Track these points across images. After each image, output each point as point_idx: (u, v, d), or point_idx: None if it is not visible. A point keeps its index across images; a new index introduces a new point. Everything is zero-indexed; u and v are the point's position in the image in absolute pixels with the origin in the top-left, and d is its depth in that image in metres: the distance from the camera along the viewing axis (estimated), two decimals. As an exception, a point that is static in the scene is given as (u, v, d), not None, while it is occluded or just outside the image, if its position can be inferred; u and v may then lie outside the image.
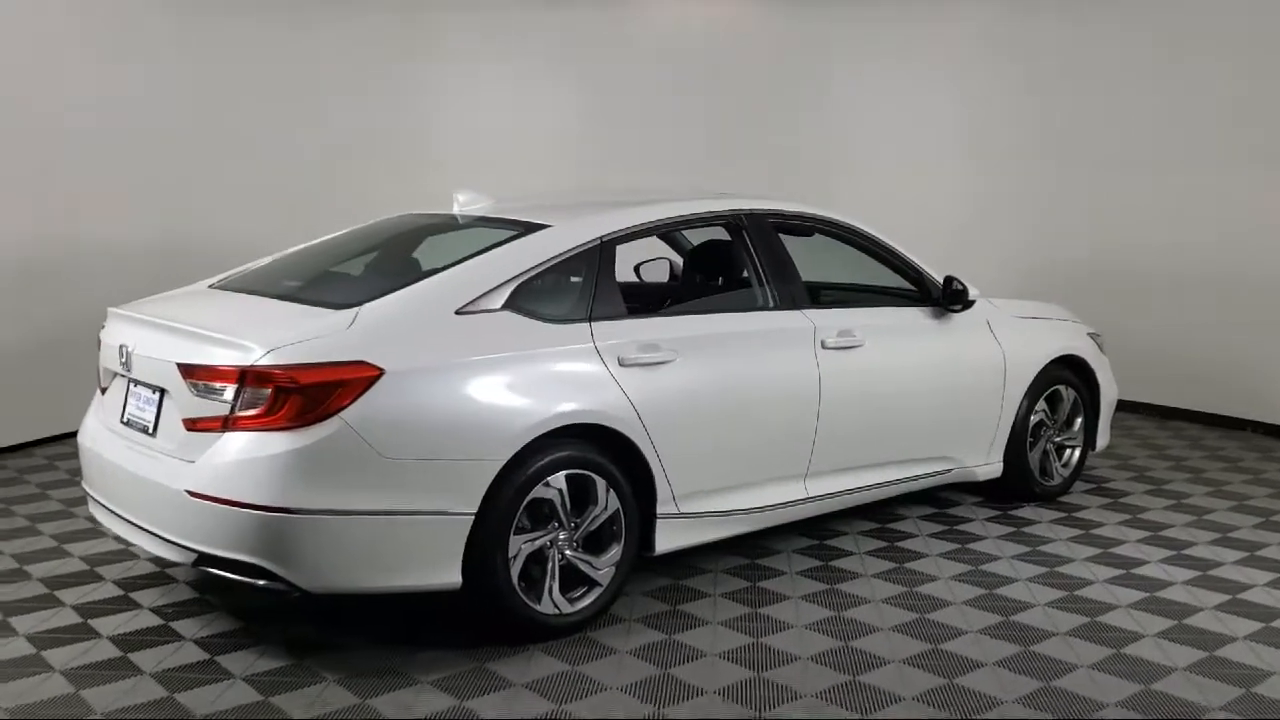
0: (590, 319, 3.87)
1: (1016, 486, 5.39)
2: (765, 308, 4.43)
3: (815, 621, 3.93)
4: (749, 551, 4.62)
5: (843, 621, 3.94)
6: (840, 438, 4.53)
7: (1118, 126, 7.69)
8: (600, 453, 3.79)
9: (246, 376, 3.33)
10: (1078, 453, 5.61)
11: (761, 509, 4.32)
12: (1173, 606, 4.13)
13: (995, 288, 5.71)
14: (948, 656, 3.66)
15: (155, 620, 3.86)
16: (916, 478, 4.91)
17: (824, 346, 4.44)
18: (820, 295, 5.23)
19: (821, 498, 4.54)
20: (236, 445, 3.33)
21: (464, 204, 4.45)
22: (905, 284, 5.04)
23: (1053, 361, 5.38)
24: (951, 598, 4.17)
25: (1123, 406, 7.79)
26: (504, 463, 3.53)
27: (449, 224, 4.39)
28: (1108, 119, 7.73)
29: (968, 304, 4.91)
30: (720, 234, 4.62)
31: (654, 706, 3.32)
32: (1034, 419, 5.34)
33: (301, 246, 4.53)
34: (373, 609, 3.90)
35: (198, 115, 7.03)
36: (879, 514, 5.16)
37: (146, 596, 4.07)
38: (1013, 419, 5.23)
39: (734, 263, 4.63)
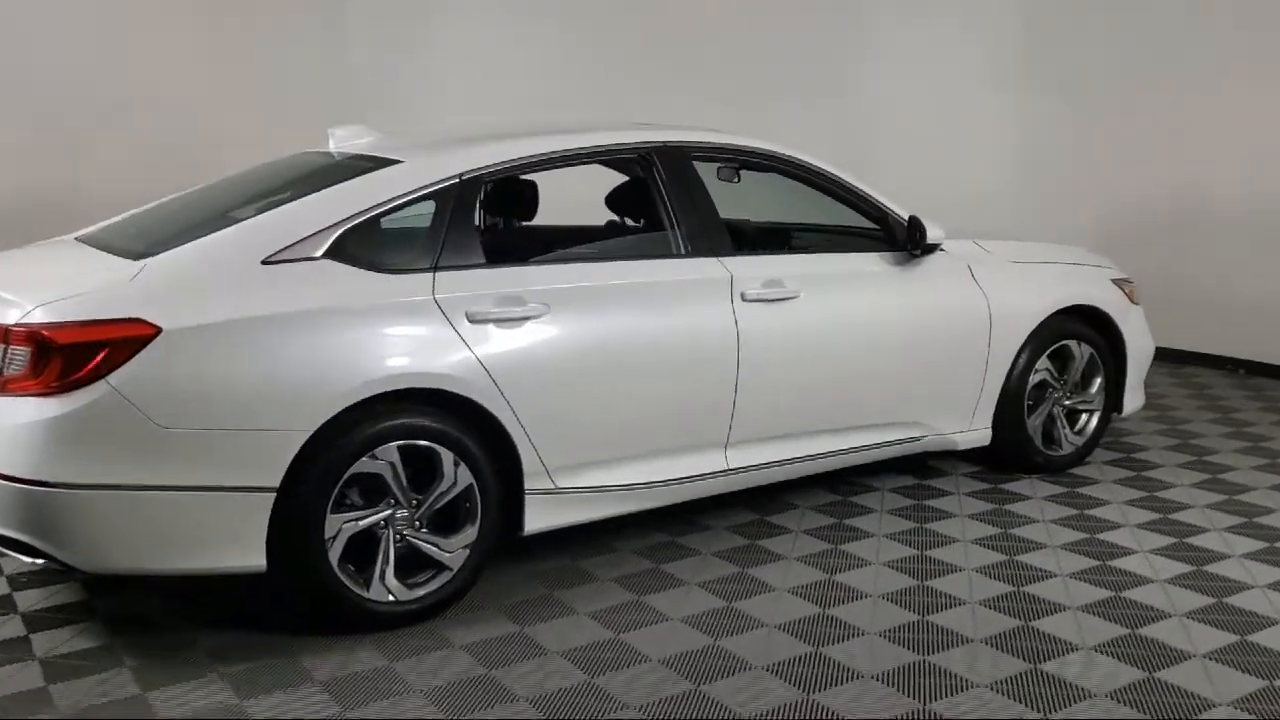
0: (435, 268, 3.41)
1: (1014, 456, 4.70)
2: (673, 255, 3.87)
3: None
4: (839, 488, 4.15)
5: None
6: (769, 402, 3.96)
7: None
8: (445, 421, 3.35)
9: (10, 335, 3.01)
10: (1095, 418, 4.85)
11: (668, 482, 3.80)
12: (1157, 651, 3.45)
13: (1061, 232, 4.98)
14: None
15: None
16: (875, 446, 4.29)
17: (744, 299, 3.86)
18: (771, 240, 4.64)
19: (749, 469, 3.98)
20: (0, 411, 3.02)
21: (341, 140, 4.02)
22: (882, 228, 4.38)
23: (1059, 313, 4.63)
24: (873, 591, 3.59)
25: (1200, 360, 6.91)
26: (310, 434, 3.12)
27: (322, 164, 3.97)
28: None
29: (928, 248, 4.22)
30: (640, 172, 4.07)
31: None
32: (1035, 379, 4.62)
33: (181, 193, 4.19)
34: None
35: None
36: (837, 485, 4.57)
37: None
38: (1003, 379, 4.52)
39: (645, 204, 4.08)
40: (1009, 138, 7.77)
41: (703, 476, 3.89)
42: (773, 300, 3.92)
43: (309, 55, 7.45)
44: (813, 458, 4.13)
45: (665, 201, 3.90)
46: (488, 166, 3.61)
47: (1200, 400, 6.09)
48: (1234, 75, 6.60)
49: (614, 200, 4.48)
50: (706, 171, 4.22)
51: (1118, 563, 3.78)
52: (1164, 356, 6.94)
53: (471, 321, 3.38)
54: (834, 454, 4.19)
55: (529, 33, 7.88)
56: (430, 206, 3.52)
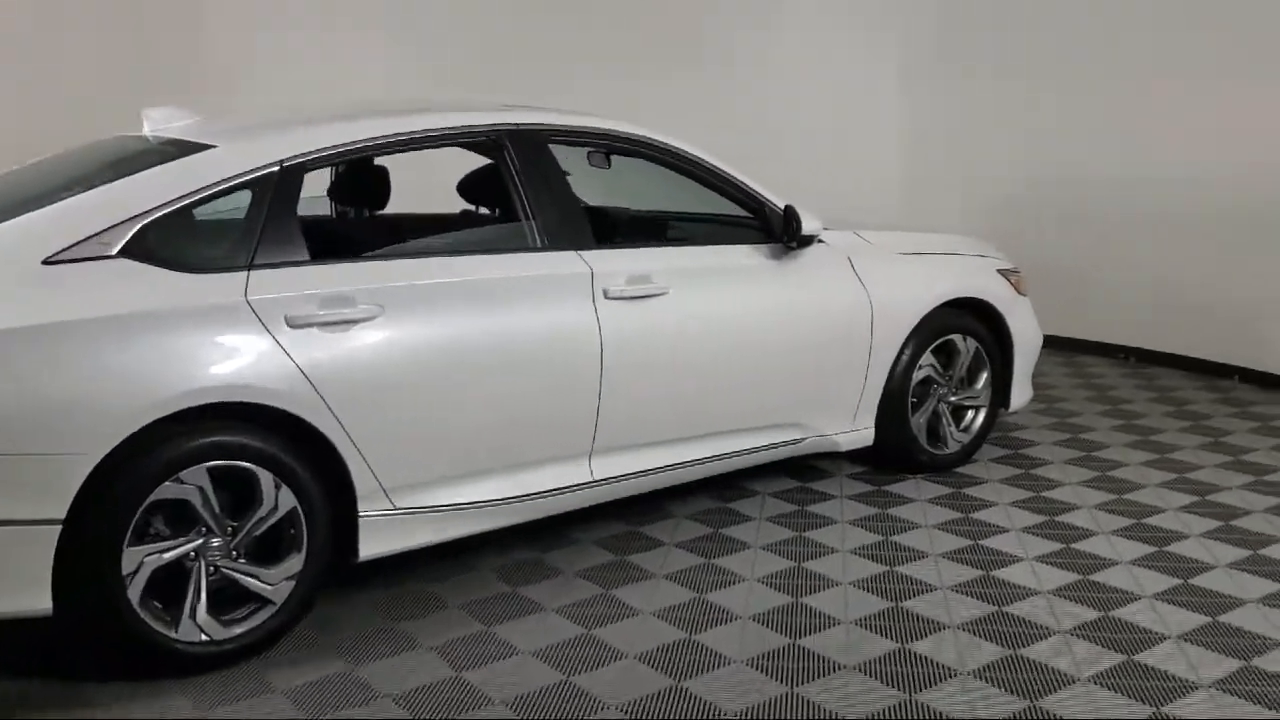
0: (250, 266, 3.03)
1: (898, 456, 4.49)
2: (528, 248, 3.56)
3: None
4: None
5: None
6: (636, 408, 3.67)
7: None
8: (263, 439, 2.99)
9: None
10: (982, 414, 4.67)
11: (527, 497, 3.49)
12: (1041, 676, 3.24)
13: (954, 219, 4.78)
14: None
15: None
16: (752, 450, 4.03)
17: (606, 296, 3.55)
18: (642, 231, 4.35)
19: (616, 480, 3.69)
20: None
21: (156, 122, 3.60)
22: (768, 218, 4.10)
23: (944, 306, 4.43)
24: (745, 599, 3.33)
25: (1092, 348, 6.82)
26: (99, 458, 2.73)
27: (132, 149, 3.55)
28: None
29: (803, 240, 3.97)
30: (492, 157, 3.74)
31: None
32: (919, 375, 4.41)
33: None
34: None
35: None
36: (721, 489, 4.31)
37: None
38: (885, 376, 4.30)
39: (499, 193, 3.75)
40: (901, 124, 7.61)
41: (565, 490, 3.58)
42: (638, 297, 3.62)
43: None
44: (686, 465, 3.86)
45: (519, 190, 3.58)
46: (313, 152, 3.23)
47: (1091, 391, 5.98)
48: (1129, 63, 6.50)
49: (466, 188, 4.15)
50: (572, 157, 3.93)
51: (1002, 573, 3.58)
52: (1056, 345, 6.85)
53: (292, 326, 3.01)
54: (708, 460, 3.92)
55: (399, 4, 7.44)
56: (249, 197, 3.15)
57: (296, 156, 3.20)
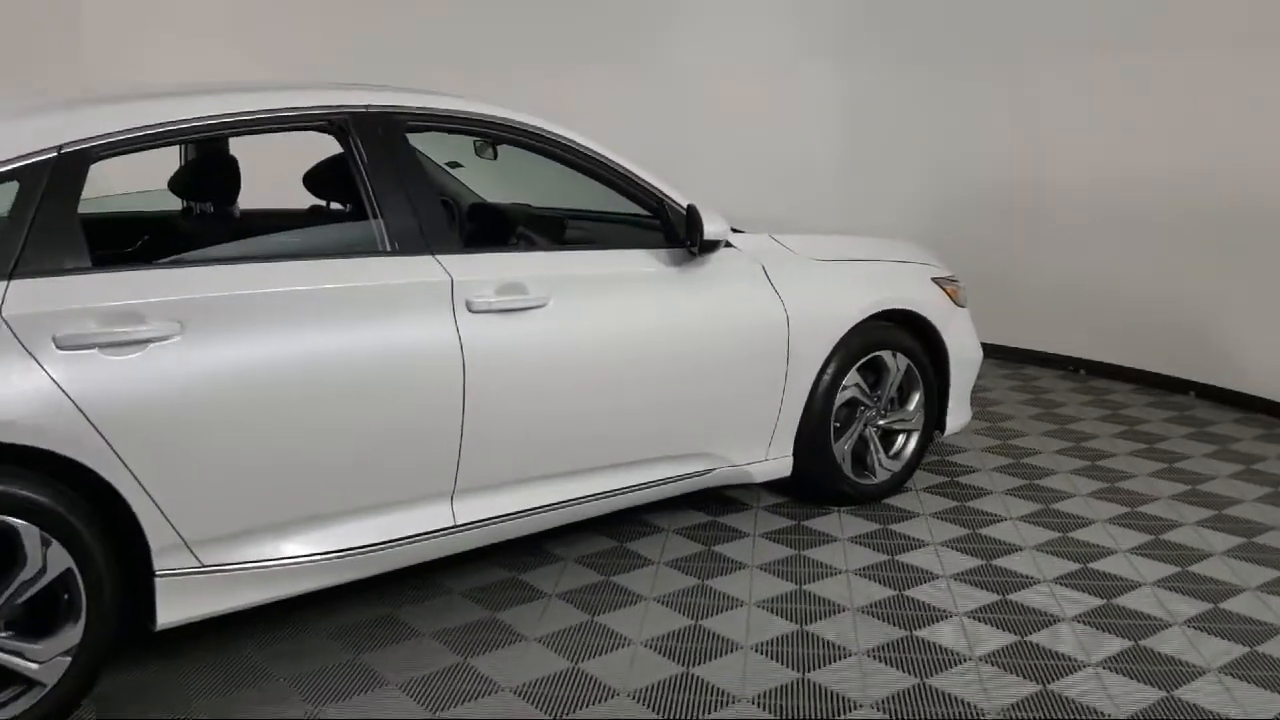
0: (10, 275, 2.48)
1: (819, 487, 4.00)
2: (376, 252, 3.02)
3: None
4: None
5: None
6: (508, 440, 3.15)
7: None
8: (26, 485, 2.44)
9: None
10: (914, 439, 4.19)
11: (373, 548, 2.96)
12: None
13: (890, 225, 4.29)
14: None
15: None
16: (650, 485, 3.53)
17: (470, 309, 3.03)
18: (527, 231, 3.83)
19: (484, 524, 3.16)
20: None
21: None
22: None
23: (872, 319, 3.94)
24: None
25: (1040, 360, 6.39)
26: None
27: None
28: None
29: (707, 244, 3.46)
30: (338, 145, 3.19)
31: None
32: (843, 396, 3.92)
33: None
34: None
35: None
36: (615, 528, 3.79)
37: None
38: (805, 398, 3.81)
39: (344, 187, 3.22)
40: (831, 115, 7.13)
41: (420, 537, 3.05)
42: (509, 310, 3.10)
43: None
44: (570, 504, 3.34)
45: (365, 182, 3.04)
46: (100, 137, 2.67)
47: (1037, 408, 5.53)
48: (1083, 45, 6.05)
49: (313, 181, 3.60)
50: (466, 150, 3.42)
51: (930, 632, 3.09)
52: (1000, 355, 6.41)
53: (62, 348, 2.46)
54: (597, 498, 3.40)
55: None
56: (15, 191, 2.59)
57: (79, 142, 2.64)
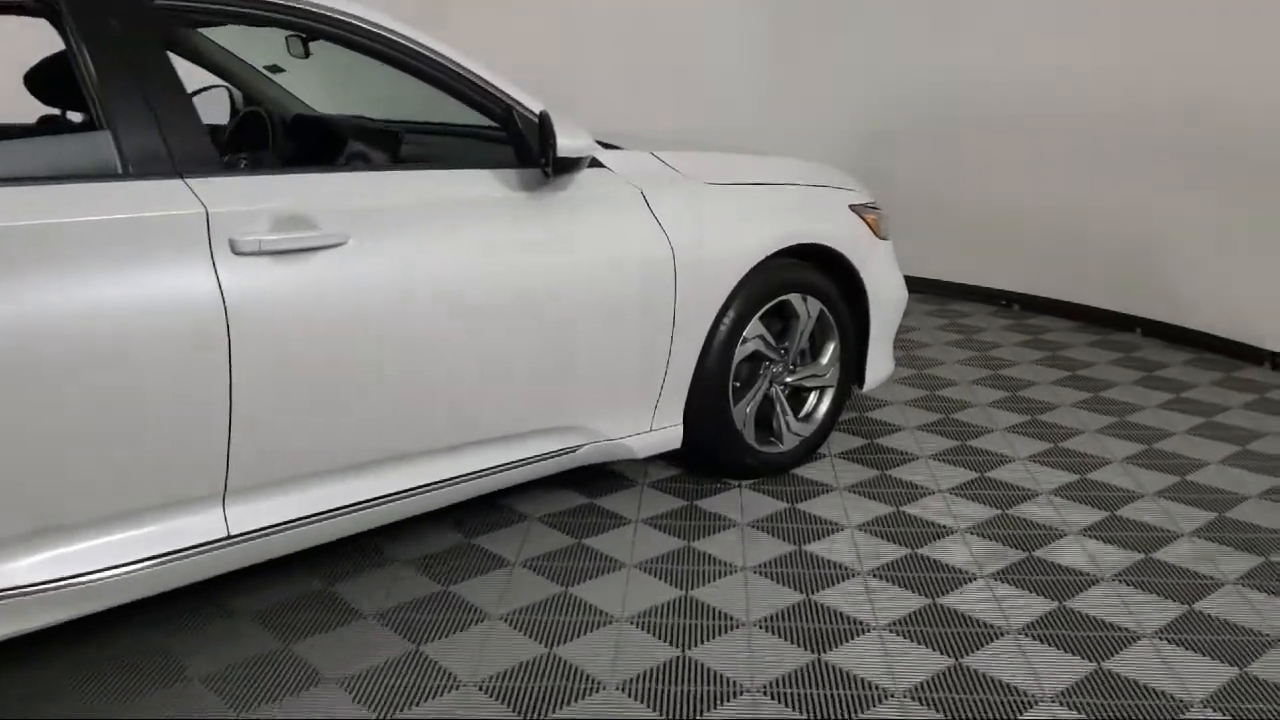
0: None
1: (717, 458, 3.34)
2: (104, 175, 2.23)
3: None
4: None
5: None
6: (296, 423, 2.41)
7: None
8: None
9: None
10: (829, 397, 3.54)
11: (107, 573, 2.21)
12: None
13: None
14: None
15: None
16: (499, 470, 2.82)
17: (235, 250, 2.26)
18: (341, 146, 3.06)
19: (269, 532, 2.43)
20: None
21: None
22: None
23: (778, 255, 3.26)
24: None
25: (970, 294, 5.78)
26: None
27: None
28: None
29: (563, 163, 2.71)
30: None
31: None
32: (744, 350, 3.25)
33: None
34: None
35: None
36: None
37: None
38: (697, 354, 3.12)
39: (70, 90, 2.42)
40: (746, 24, 6.37)
41: (180, 555, 2.32)
42: (289, 251, 2.34)
43: None
44: (385, 501, 2.62)
45: (89, 82, 2.25)
46: None
47: (968, 350, 4.92)
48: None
49: (36, 81, 2.78)
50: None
51: (841, 655, 2.45)
52: (926, 290, 5.81)
53: None
54: (426, 490, 2.69)
55: None
56: None
57: None
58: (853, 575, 2.81)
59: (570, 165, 2.70)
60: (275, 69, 3.71)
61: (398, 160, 3.19)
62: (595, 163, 2.89)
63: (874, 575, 2.81)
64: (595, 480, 3.35)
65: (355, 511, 2.55)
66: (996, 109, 5.54)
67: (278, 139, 3.40)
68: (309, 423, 2.43)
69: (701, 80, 6.39)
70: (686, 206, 3.05)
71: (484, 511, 3.13)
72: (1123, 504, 3.26)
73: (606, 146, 3.09)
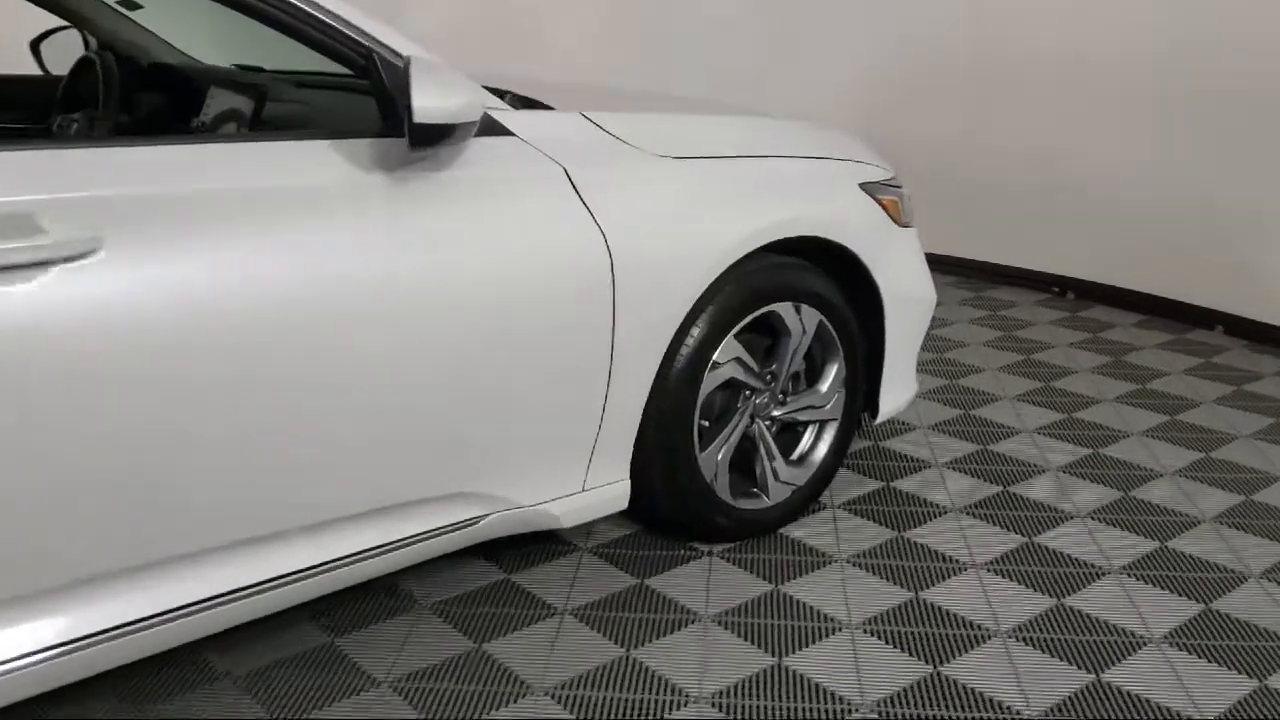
0: None
1: (681, 516, 2.54)
2: None
3: None
4: None
5: None
6: (35, 511, 1.64)
7: None
8: None
9: None
10: (830, 432, 2.73)
11: None
12: None
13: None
14: None
15: None
16: (376, 552, 2.03)
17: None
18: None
19: (32, 661, 1.67)
20: None
21: None
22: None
23: (761, 253, 2.44)
24: None
25: (1011, 278, 4.94)
26: None
27: None
28: None
29: (423, 132, 1.87)
30: None
31: None
32: (714, 378, 2.44)
33: None
34: None
35: None
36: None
37: None
38: (648, 388, 2.31)
39: None
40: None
41: None
42: (5, 268, 1.56)
43: None
44: (209, 606, 1.84)
45: None
46: None
47: (1013, 353, 4.07)
48: None
49: None
50: None
51: None
52: (963, 272, 4.97)
53: None
54: (258, 590, 1.91)
55: None
56: None
57: None
58: (854, 710, 2.01)
59: (438, 134, 1.87)
60: (130, 4, 2.92)
61: (260, 124, 2.41)
62: (496, 129, 2.08)
63: (884, 704, 2.01)
64: (522, 543, 2.57)
65: (152, 627, 1.78)
66: (1048, 51, 4.65)
67: (111, 94, 2.61)
68: (51, 511, 1.65)
69: (692, 32, 5.54)
70: (631, 189, 2.23)
71: (354, 599, 2.36)
72: (1221, 591, 2.43)
73: (530, 105, 2.29)
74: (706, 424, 2.49)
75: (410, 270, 1.91)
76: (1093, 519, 2.74)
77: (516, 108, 2.21)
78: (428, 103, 1.81)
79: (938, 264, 4.95)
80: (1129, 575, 2.48)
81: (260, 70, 2.90)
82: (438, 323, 1.95)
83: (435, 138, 1.86)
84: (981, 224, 4.99)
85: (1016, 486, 2.92)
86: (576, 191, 2.15)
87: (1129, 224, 4.53)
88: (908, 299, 2.80)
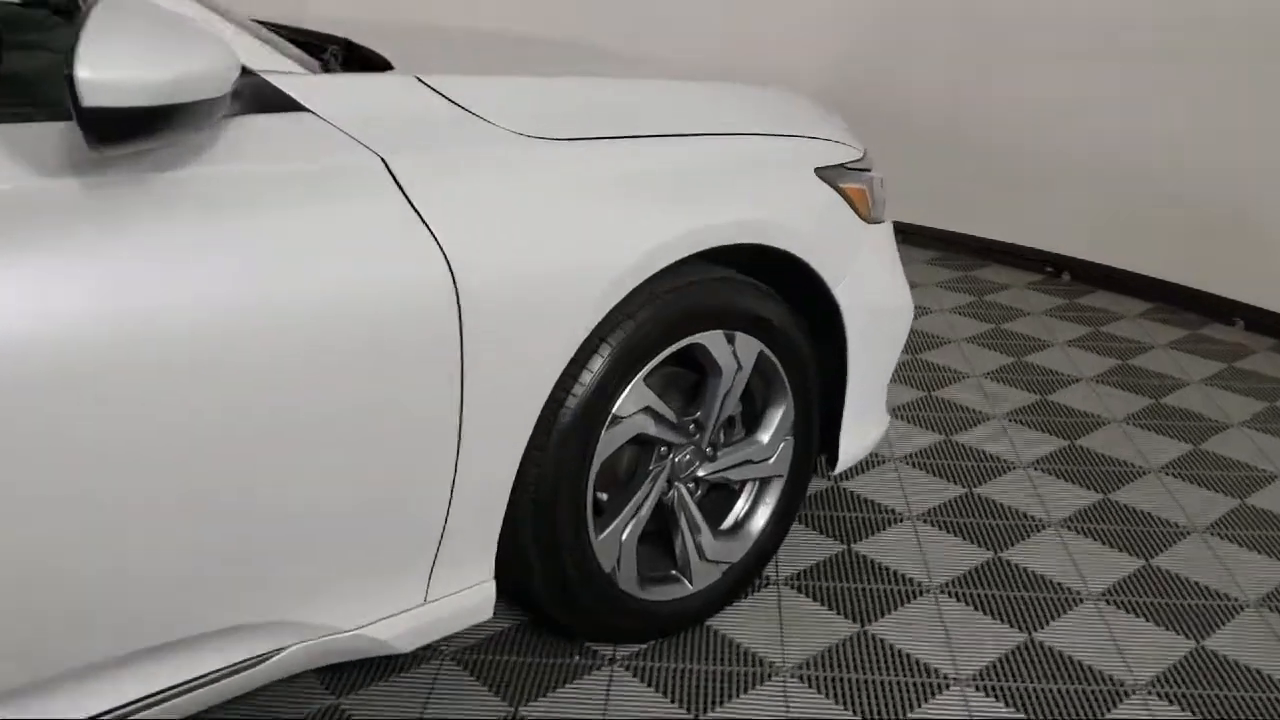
0: None
1: (571, 617, 1.92)
2: None
3: None
4: None
5: None
6: None
7: None
8: None
9: None
10: (773, 492, 2.10)
11: None
12: None
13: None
14: None
15: None
16: (124, 710, 1.40)
17: None
18: None
19: None
20: None
21: None
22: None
23: (680, 268, 1.78)
24: None
25: (1000, 256, 4.32)
26: None
27: None
28: None
29: (94, 119, 1.19)
30: None
31: None
32: (617, 435, 1.80)
33: None
34: None
35: None
36: None
37: None
38: (518, 457, 1.66)
39: None
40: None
41: None
42: None
43: None
44: None
45: None
46: None
47: (1002, 354, 3.45)
48: None
49: None
50: None
51: None
52: (944, 246, 4.35)
53: None
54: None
55: None
56: None
57: None
58: None
59: (130, 125, 1.18)
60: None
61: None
62: (278, 103, 1.41)
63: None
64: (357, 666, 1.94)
65: None
66: (1045, 13, 3.99)
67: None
68: None
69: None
70: (485, 184, 1.58)
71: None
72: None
73: (370, 66, 1.63)
74: (604, 497, 1.86)
75: (127, 327, 1.25)
76: (1111, 604, 2.14)
77: (335, 69, 1.54)
78: (100, 74, 1.13)
79: (914, 237, 4.33)
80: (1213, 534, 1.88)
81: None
82: (158, 403, 1.30)
83: (127, 130, 1.18)
84: (967, 192, 4.35)
85: (1014, 551, 2.31)
86: (401, 189, 1.49)
87: (1137, 197, 3.90)
88: (878, 313, 2.16)
